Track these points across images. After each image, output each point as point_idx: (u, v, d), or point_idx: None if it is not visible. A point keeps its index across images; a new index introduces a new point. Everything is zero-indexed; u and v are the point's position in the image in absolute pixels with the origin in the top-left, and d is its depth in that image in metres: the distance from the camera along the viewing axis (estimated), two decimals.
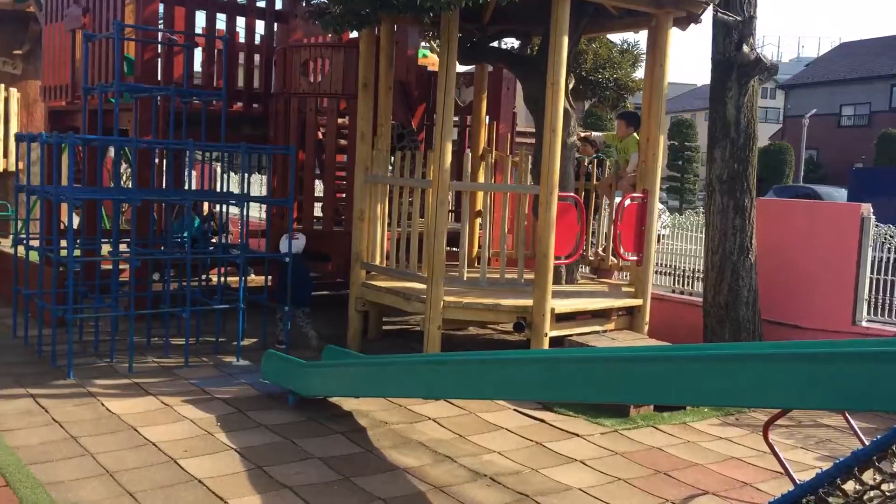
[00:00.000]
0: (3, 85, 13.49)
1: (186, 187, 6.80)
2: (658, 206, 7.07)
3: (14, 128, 13.53)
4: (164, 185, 7.30)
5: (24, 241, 6.60)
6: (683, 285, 10.16)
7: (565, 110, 6.12)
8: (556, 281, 6.47)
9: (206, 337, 6.89)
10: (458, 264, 6.22)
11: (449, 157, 5.94)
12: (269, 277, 7.06)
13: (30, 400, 5.17)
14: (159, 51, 7.64)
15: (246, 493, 3.97)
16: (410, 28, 8.33)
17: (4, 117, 13.40)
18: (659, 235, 13.31)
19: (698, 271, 8.03)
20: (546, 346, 5.87)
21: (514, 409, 5.46)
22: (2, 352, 6.33)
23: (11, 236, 7.98)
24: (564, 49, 5.72)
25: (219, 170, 14.72)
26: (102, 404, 5.16)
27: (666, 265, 11.30)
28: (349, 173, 7.48)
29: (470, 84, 9.08)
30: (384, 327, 7.56)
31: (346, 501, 3.96)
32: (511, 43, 9.58)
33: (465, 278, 6.13)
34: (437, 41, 9.04)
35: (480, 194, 7.30)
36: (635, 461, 4.72)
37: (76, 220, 7.70)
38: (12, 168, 13.41)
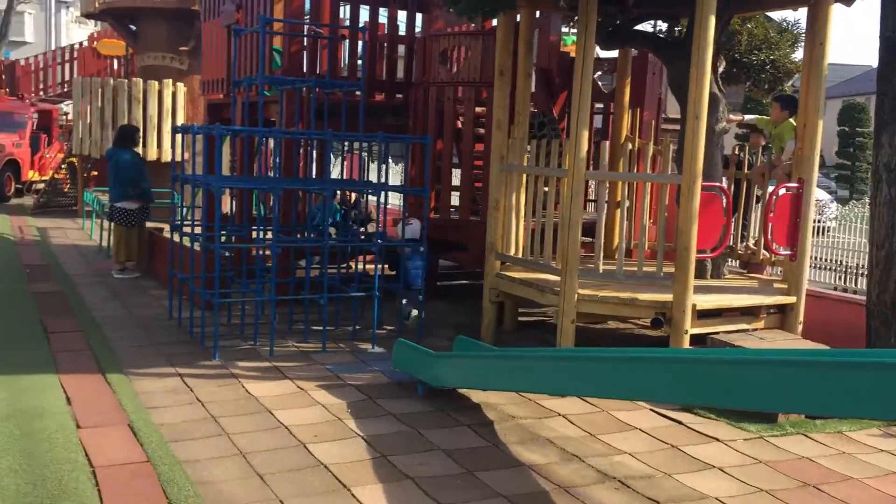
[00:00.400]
0: (170, 80, 14.36)
1: (335, 176, 6.96)
2: (824, 196, 6.58)
3: (180, 120, 14.40)
4: (310, 174, 7.55)
5: (179, 227, 6.98)
6: (846, 283, 9.45)
7: (712, 95, 5.78)
8: (700, 275, 6.15)
9: (345, 324, 7.04)
10: (594, 256, 6.02)
11: (585, 146, 5.75)
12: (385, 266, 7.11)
13: (177, 379, 5.45)
14: (305, 44, 7.84)
15: (369, 482, 3.99)
16: (553, 14, 8.15)
17: (172, 111, 14.28)
18: (824, 227, 12.52)
19: (863, 267, 7.42)
20: (686, 343, 5.59)
21: (650, 409, 5.22)
22: (158, 332, 6.72)
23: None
24: (711, 28, 5.38)
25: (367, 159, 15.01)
26: (243, 386, 5.36)
27: (827, 260, 10.55)
28: (486, 162, 7.42)
29: (614, 70, 8.79)
30: (520, 318, 7.46)
31: (468, 496, 3.91)
32: (657, 25, 9.19)
33: (601, 271, 5.92)
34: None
35: (620, 183, 7.04)
36: (781, 471, 4.40)
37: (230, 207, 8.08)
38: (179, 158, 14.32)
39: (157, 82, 14.10)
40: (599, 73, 9.02)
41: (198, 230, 7.07)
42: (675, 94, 6.66)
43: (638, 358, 3.84)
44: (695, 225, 5.53)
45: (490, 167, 6.70)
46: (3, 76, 21.97)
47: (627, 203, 6.31)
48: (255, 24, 8.04)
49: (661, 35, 7.86)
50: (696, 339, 5.79)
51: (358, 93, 7.46)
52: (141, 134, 13.72)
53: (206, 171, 6.44)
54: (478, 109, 7.60)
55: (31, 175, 17.82)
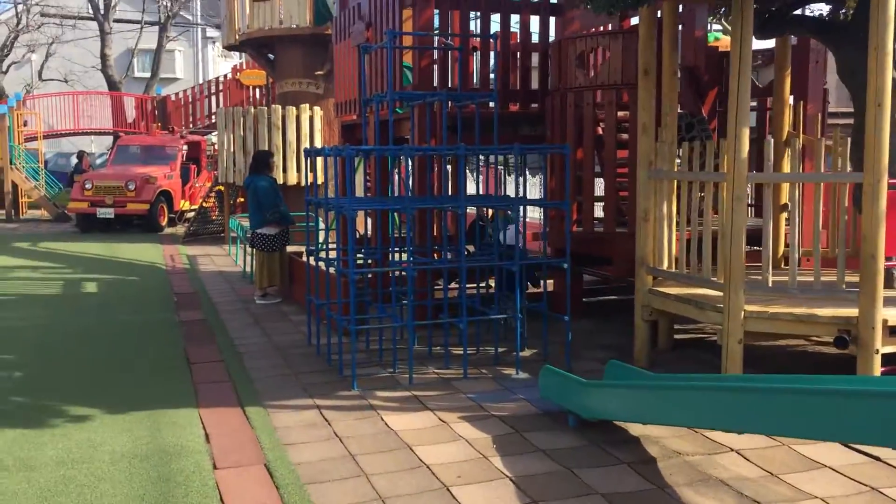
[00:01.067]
0: (307, 105, 14.60)
1: (471, 192, 6.64)
2: None
3: (318, 144, 14.59)
4: (446, 191, 7.25)
5: (315, 252, 6.85)
6: None
7: (894, 80, 5.05)
8: (888, 285, 5.38)
9: (486, 345, 6.69)
10: (761, 267, 5.38)
11: (746, 146, 5.14)
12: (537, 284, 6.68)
13: (315, 412, 5.24)
14: (435, 57, 7.58)
15: None
16: (697, 6, 7.54)
17: (310, 134, 14.49)
18: None
19: None
20: (877, 365, 4.86)
21: (840, 442, 4.55)
22: (297, 360, 6.59)
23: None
24: (891, 5, 4.68)
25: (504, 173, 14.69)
26: (382, 419, 5.08)
27: None
28: (631, 170, 6.89)
29: (769, 62, 8.06)
30: (675, 336, 6.87)
31: None
32: (818, 9, 8.37)
33: (769, 284, 5.28)
34: (728, 19, 8.15)
35: (786, 185, 6.35)
36: None
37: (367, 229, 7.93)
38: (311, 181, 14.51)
39: (294, 108, 14.36)
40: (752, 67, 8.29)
41: (333, 254, 6.92)
42: (845, 82, 5.92)
43: (832, 392, 3.25)
44: (881, 229, 4.81)
45: (637, 175, 6.18)
46: (156, 111, 23.21)
47: (794, 206, 5.62)
48: (384, 40, 7.88)
49: (825, 19, 7.08)
50: (889, 360, 5.05)
51: (491, 104, 7.12)
52: (276, 159, 14.03)
53: (338, 193, 6.28)
54: (619, 114, 7.09)
55: (183, 205, 18.62)
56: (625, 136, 7.30)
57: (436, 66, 7.65)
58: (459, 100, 6.84)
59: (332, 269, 6.64)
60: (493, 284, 7.17)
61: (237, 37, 15.61)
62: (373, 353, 6.66)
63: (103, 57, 25.29)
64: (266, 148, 13.98)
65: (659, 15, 6.20)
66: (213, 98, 22.85)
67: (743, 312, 5.18)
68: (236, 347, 7.03)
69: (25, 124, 21.73)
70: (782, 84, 6.98)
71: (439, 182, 7.21)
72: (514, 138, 7.54)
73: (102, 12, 24.98)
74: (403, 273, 6.63)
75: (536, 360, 6.40)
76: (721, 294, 5.31)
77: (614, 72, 6.85)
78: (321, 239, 7.16)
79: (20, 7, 25.79)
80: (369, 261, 7.24)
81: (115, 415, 5.21)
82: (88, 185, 17.12)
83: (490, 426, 4.91)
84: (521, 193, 6.35)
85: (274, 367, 6.38)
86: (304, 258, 7.30)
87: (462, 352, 6.12)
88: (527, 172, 9.97)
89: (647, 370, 5.25)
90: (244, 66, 21.83)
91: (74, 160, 22.13)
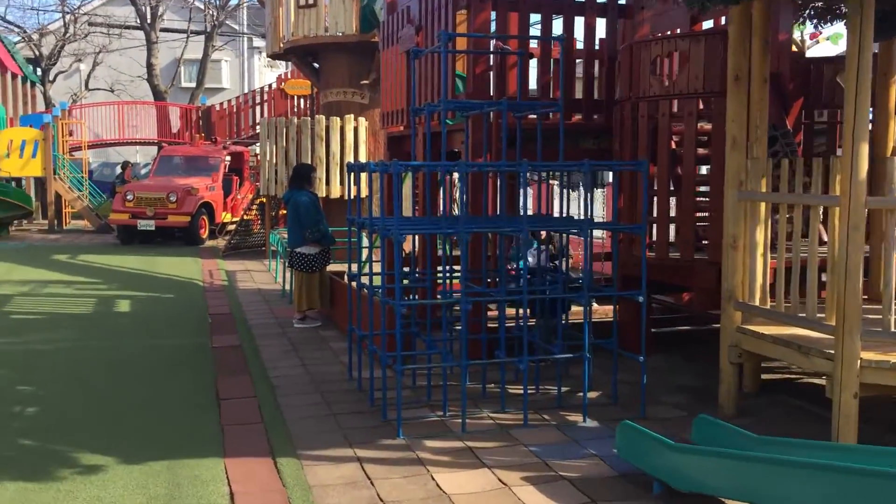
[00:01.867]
0: (352, 115, 14.03)
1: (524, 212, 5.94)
2: None
3: (363, 156, 14.02)
4: (501, 210, 6.57)
5: (356, 277, 6.21)
6: None
7: None
8: None
9: (547, 382, 5.98)
10: (881, 307, 4.58)
11: (865, 166, 4.37)
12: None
13: (356, 465, 4.57)
14: (491, 62, 6.90)
15: None
16: (783, 7, 6.76)
17: (354, 146, 13.92)
18: None
19: None
20: None
21: None
22: (336, 397, 5.93)
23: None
24: None
25: (556, 188, 13.96)
26: (432, 477, 4.39)
27: None
28: (713, 189, 6.13)
29: None
30: (762, 376, 6.07)
31: None
32: None
33: (892, 328, 4.48)
34: (808, 22, 7.35)
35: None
36: None
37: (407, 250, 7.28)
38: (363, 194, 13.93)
39: (338, 118, 13.82)
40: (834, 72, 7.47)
41: (376, 279, 6.27)
42: None
43: None
44: None
45: (724, 195, 5.42)
46: (200, 122, 22.93)
47: None
48: (437, 43, 7.23)
49: None
50: None
51: (553, 113, 6.42)
52: (318, 172, 13.48)
53: (383, 212, 5.69)
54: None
55: (225, 217, 18.19)
56: (704, 150, 6.55)
57: (492, 74, 6.98)
58: (520, 109, 6.14)
59: (375, 296, 5.99)
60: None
61: (281, 44, 15.13)
62: (420, 390, 5.99)
63: (149, 66, 25.14)
64: (309, 159, 13.47)
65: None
66: (258, 108, 22.49)
67: (859, 361, 4.39)
68: (271, 379, 6.41)
69: (71, 134, 21.59)
70: (887, 93, 6.16)
71: (494, 201, 6.52)
72: (576, 153, 6.84)
73: (149, 21, 24.83)
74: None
75: (605, 405, 5.67)
76: (831, 337, 4.53)
77: (694, 78, 6.09)
78: (363, 260, 6.53)
79: (68, 17, 25.79)
80: (416, 288, 6.57)
81: (131, 465, 4.60)
82: (130, 197, 16.77)
83: (560, 492, 4.19)
84: (588, 214, 5.63)
85: (310, 405, 5.74)
86: (346, 280, 6.65)
87: (520, 392, 5.41)
88: (570, 188, 9.21)
89: (737, 425, 4.48)
90: (289, 76, 21.43)
91: (119, 170, 21.92)
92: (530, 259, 7.93)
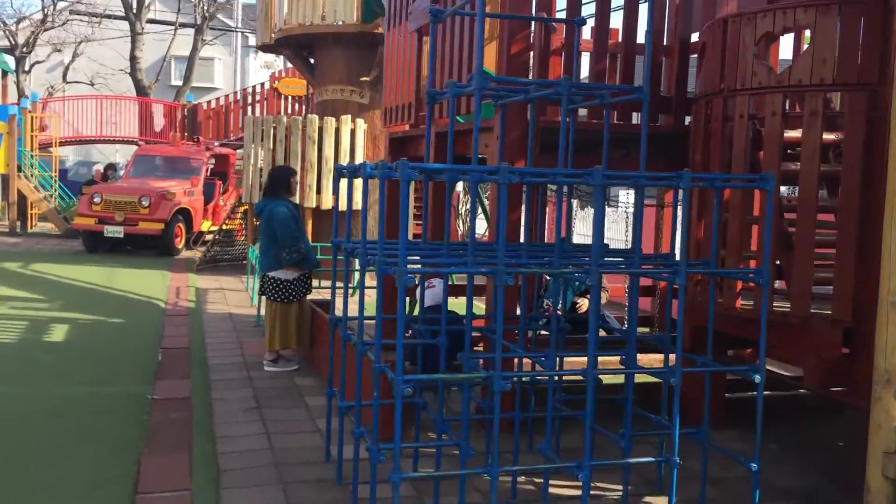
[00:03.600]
0: (349, 116, 12.33)
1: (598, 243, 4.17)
2: None
3: (359, 161, 12.33)
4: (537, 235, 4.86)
5: (341, 323, 4.46)
6: None
7: None
8: None
9: (605, 484, 4.23)
10: None
11: None
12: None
13: None
14: (531, 39, 5.18)
15: None
16: None
17: (350, 150, 12.22)
18: None
19: None
20: None
21: None
22: (305, 495, 4.17)
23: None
24: None
25: (575, 205, 12.03)
26: None
27: None
28: (842, 218, 4.39)
29: None
30: None
31: None
32: None
33: None
34: None
35: None
36: None
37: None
38: (357, 207, 12.21)
39: (333, 119, 12.11)
40: None
41: (369, 322, 4.52)
42: None
43: None
44: None
45: (885, 231, 3.68)
46: (185, 121, 21.20)
47: None
48: (458, 20, 5.50)
49: None
50: None
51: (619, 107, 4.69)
52: (309, 178, 11.76)
53: (381, 233, 3.97)
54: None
55: (204, 225, 16.42)
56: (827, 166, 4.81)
57: (532, 55, 5.26)
58: (576, 99, 4.40)
59: (366, 354, 4.21)
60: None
61: (273, 34, 13.42)
62: (424, 487, 4.23)
63: (133, 59, 23.33)
64: (298, 164, 11.75)
65: None
66: (250, 109, 20.76)
67: None
68: (218, 458, 4.64)
69: (44, 129, 19.82)
70: None
71: (535, 224, 4.77)
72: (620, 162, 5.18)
73: (135, 11, 23.06)
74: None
75: None
76: None
77: (821, 64, 4.36)
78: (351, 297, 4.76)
79: (47, 2, 24.01)
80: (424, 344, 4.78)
81: None
82: (97, 199, 14.98)
83: None
84: (679, 250, 3.89)
85: None
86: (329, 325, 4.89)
87: (568, 492, 3.65)
88: (574, 203, 7.15)
89: None
90: (284, 75, 19.73)
91: (98, 169, 20.07)
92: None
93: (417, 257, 3.74)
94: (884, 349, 3.66)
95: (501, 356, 3.51)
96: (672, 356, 3.82)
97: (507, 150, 4.83)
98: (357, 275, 5.17)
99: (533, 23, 5.20)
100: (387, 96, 7.43)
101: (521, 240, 4.87)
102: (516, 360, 4.45)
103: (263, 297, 7.13)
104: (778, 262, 4.80)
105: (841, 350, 4.38)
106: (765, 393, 6.04)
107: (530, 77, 5.31)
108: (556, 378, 4.21)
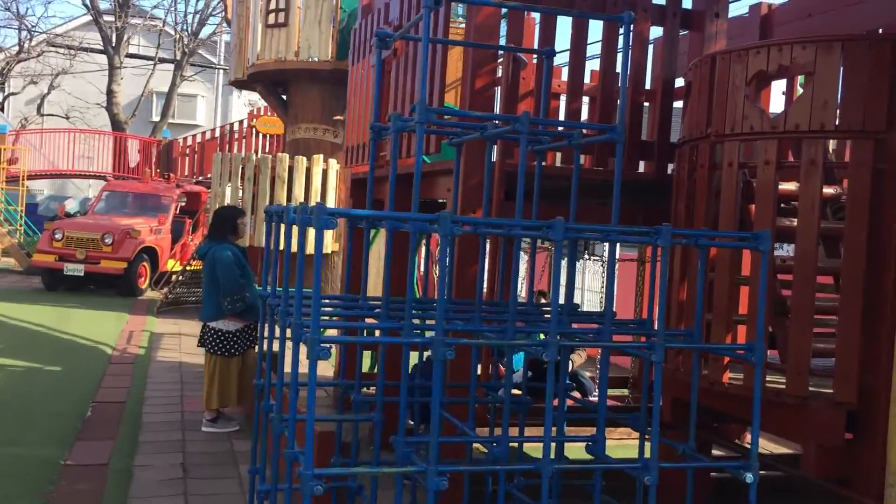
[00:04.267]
0: (321, 155, 11.80)
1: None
2: None
3: (331, 203, 11.76)
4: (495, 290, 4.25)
5: (262, 390, 3.85)
6: None
7: None
8: None
9: None
10: None
11: None
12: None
13: None
14: (498, 73, 4.65)
15: None
16: None
17: (322, 191, 11.67)
18: None
19: None
20: None
21: None
22: None
23: None
24: None
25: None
26: None
27: None
28: (846, 284, 3.82)
29: None
30: None
31: None
32: None
33: None
34: None
35: None
36: None
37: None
38: (332, 249, 11.60)
39: (304, 158, 11.57)
40: None
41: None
42: None
43: None
44: None
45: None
46: (160, 157, 20.64)
47: None
48: (417, 56, 4.98)
49: None
50: None
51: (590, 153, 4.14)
52: (247, 219, 11.15)
53: (348, 286, 3.38)
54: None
55: (171, 265, 15.74)
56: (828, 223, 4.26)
57: (499, 90, 4.73)
58: (542, 137, 3.84)
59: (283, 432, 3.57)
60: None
61: (245, 69, 12.92)
62: None
63: (109, 93, 22.79)
64: (266, 203, 11.17)
65: None
66: (227, 147, 20.22)
67: None
68: None
69: (14, 162, 19.19)
70: None
71: (493, 279, 4.18)
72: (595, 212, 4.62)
73: (113, 45, 22.59)
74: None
75: None
76: None
77: (825, 106, 3.84)
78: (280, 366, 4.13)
79: (23, 33, 23.55)
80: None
81: None
82: (59, 236, 14.31)
83: None
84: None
85: None
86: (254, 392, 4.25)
87: None
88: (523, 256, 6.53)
89: None
90: (262, 113, 19.25)
91: (62, 205, 19.40)
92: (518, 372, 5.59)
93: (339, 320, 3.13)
94: None
95: (439, 440, 2.88)
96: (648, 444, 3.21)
97: (466, 195, 4.26)
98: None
99: (501, 55, 4.68)
100: (348, 134, 6.91)
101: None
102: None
103: (205, 352, 6.47)
104: (770, 329, 4.24)
105: (844, 436, 3.79)
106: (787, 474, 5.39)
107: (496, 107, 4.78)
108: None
